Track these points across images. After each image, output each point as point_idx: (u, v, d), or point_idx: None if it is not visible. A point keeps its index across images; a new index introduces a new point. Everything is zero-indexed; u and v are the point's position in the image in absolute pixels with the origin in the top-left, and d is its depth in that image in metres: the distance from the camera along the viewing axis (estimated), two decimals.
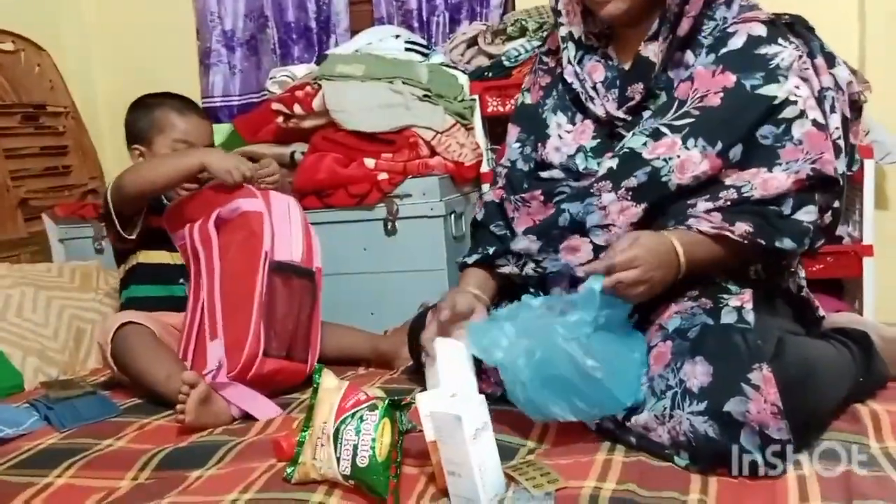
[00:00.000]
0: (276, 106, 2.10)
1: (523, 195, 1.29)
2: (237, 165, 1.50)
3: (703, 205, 1.14)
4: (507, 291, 1.32)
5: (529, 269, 1.27)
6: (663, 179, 1.14)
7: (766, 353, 1.02)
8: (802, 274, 1.31)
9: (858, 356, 1.19)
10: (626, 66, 1.25)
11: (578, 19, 1.27)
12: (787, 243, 1.13)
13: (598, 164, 1.23)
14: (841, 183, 1.16)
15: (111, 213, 1.57)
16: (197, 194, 1.54)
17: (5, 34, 2.30)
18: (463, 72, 2.23)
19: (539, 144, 1.31)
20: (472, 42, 2.27)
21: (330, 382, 1.11)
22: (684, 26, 1.17)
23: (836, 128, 1.17)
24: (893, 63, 2.11)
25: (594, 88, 1.25)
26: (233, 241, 1.47)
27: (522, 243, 1.27)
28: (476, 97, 2.16)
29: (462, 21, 2.44)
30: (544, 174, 1.30)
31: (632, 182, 1.16)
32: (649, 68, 1.20)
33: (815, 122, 1.13)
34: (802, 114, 1.12)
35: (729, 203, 1.13)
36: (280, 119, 2.10)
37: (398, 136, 2.01)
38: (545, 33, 2.12)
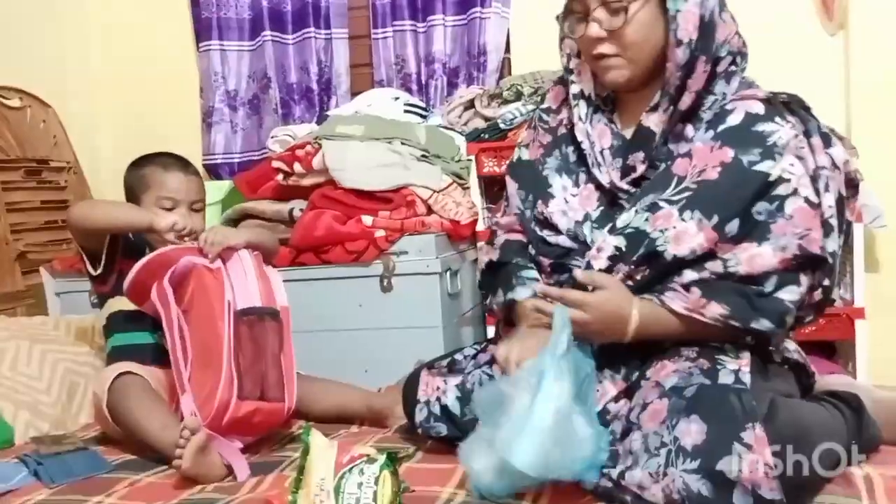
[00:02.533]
0: (276, 164, 2.13)
1: (538, 255, 1.31)
2: (178, 219, 1.54)
3: (688, 274, 1.15)
4: None
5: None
6: (659, 249, 1.15)
7: (761, 414, 1.03)
8: (793, 346, 1.30)
9: (850, 419, 1.20)
10: (628, 135, 1.27)
11: (589, 78, 1.29)
12: (765, 324, 1.13)
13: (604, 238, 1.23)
14: (830, 261, 1.17)
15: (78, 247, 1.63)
16: (149, 264, 1.51)
17: (13, 91, 2.35)
18: (460, 133, 2.29)
19: (540, 202, 1.32)
20: (469, 105, 2.34)
21: (321, 441, 1.11)
22: (686, 101, 1.19)
23: (830, 206, 1.17)
24: (879, 128, 2.17)
25: (601, 154, 1.27)
26: (193, 295, 1.47)
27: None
28: (472, 158, 2.20)
29: (459, 84, 2.51)
30: (551, 238, 1.30)
31: (635, 257, 1.17)
32: (650, 138, 1.22)
33: (807, 200, 1.14)
34: (795, 191, 1.14)
35: (714, 276, 1.14)
36: (280, 177, 2.13)
37: (396, 195, 2.04)
38: (541, 94, 2.18)
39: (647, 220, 1.17)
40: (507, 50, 2.51)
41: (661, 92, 1.20)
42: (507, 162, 1.46)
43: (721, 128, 1.17)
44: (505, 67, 2.52)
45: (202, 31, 2.68)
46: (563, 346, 1.07)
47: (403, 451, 1.29)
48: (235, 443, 1.38)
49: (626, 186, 1.24)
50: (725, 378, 1.10)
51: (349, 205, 2.04)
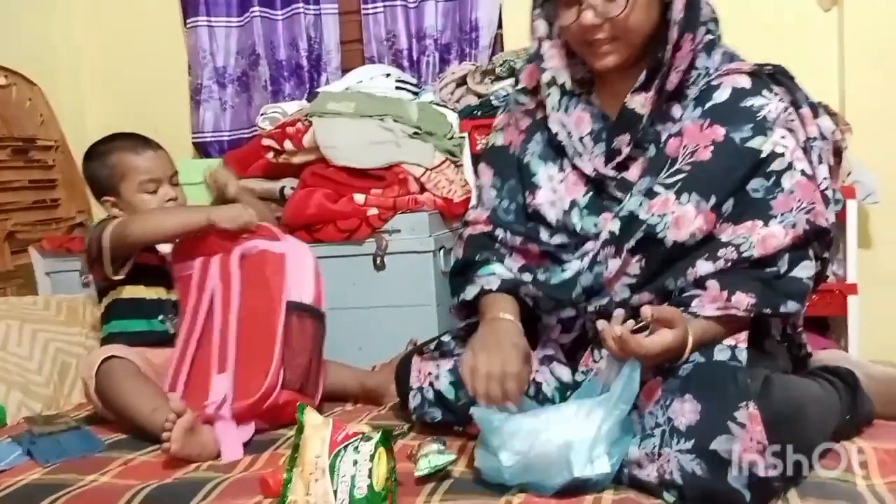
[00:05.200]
0: (266, 141, 2.11)
1: (520, 244, 1.26)
2: (240, 213, 1.53)
3: (702, 265, 1.13)
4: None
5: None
6: (659, 236, 1.13)
7: (754, 392, 1.03)
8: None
9: (845, 394, 1.20)
10: (612, 116, 1.23)
11: (562, 64, 1.24)
12: (792, 306, 1.12)
13: (595, 224, 1.21)
14: (832, 233, 1.17)
15: (101, 254, 1.58)
16: (217, 234, 1.53)
17: None
18: (452, 110, 2.26)
19: (527, 193, 1.27)
20: (462, 81, 2.32)
21: (315, 419, 1.11)
22: (673, 80, 1.16)
23: (825, 178, 1.17)
24: (872, 105, 2.17)
25: (581, 142, 1.23)
26: (254, 279, 1.49)
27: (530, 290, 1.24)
28: (465, 135, 2.19)
29: (452, 61, 2.48)
30: (543, 234, 1.25)
31: (631, 244, 1.15)
32: (636, 120, 1.19)
33: (803, 173, 1.13)
34: (790, 165, 1.13)
35: (729, 263, 1.12)
36: (270, 155, 2.11)
37: (388, 173, 2.03)
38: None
39: (640, 204, 1.15)
40: (500, 26, 2.49)
41: (649, 71, 1.16)
42: (482, 148, 1.39)
43: (708, 105, 1.15)
44: (497, 43, 2.50)
45: (189, 6, 2.64)
46: (621, 408, 1.04)
47: (398, 429, 1.29)
48: (248, 427, 1.38)
49: (611, 173, 1.21)
50: (721, 354, 1.10)
51: (341, 183, 2.03)
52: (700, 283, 1.13)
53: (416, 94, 2.35)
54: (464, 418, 1.29)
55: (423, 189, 2.06)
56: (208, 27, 2.63)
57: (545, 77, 1.25)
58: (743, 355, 1.09)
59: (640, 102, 1.18)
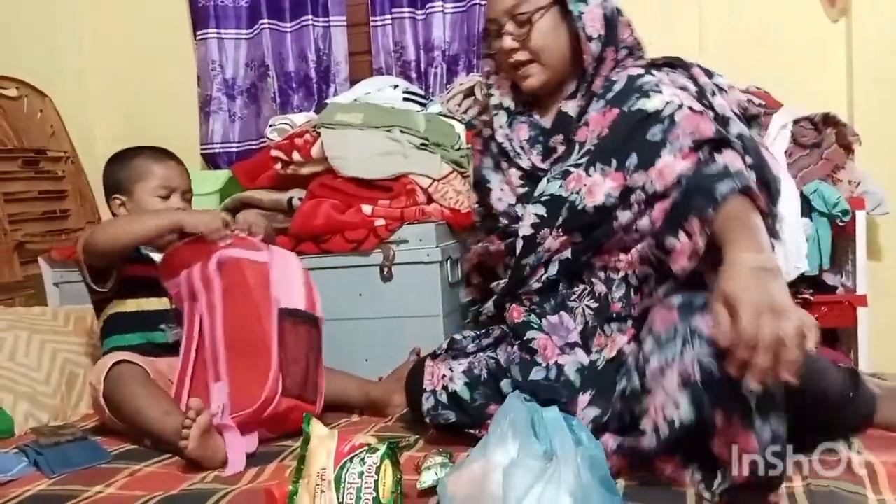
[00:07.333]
0: (275, 152, 2.12)
1: (488, 245, 1.45)
2: (213, 219, 1.52)
3: (621, 214, 1.25)
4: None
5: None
6: (579, 207, 1.27)
7: None
8: None
9: (846, 374, 1.23)
10: (547, 124, 1.38)
11: (507, 91, 1.42)
12: (724, 186, 1.09)
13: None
14: (737, 142, 1.19)
15: (82, 267, 1.60)
16: (194, 242, 1.53)
17: (9, 80, 2.34)
18: (459, 121, 2.27)
19: (485, 198, 1.44)
20: (469, 93, 2.32)
21: (321, 430, 1.11)
22: (597, 84, 1.33)
23: (721, 105, 1.26)
24: (882, 115, 2.16)
25: (521, 146, 1.39)
26: (236, 285, 1.48)
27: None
28: (472, 146, 2.18)
29: (459, 72, 2.49)
30: (500, 223, 1.41)
31: (559, 221, 1.29)
32: (568, 121, 1.34)
33: (691, 108, 1.23)
34: (680, 106, 1.23)
35: (642, 205, 1.21)
36: (279, 165, 2.12)
37: (395, 183, 2.03)
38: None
39: (560, 185, 1.29)
40: None
41: (580, 80, 1.34)
42: None
43: (609, 95, 1.31)
44: None
45: (199, 19, 2.66)
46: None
47: (405, 441, 1.29)
48: (253, 437, 1.38)
49: (546, 166, 1.35)
50: None
51: (348, 193, 2.03)
52: (662, 247, 1.17)
53: (423, 105, 2.35)
54: (478, 420, 1.31)
55: (430, 200, 2.06)
56: (217, 39, 2.65)
57: (493, 101, 1.44)
58: None
59: (572, 107, 1.35)
